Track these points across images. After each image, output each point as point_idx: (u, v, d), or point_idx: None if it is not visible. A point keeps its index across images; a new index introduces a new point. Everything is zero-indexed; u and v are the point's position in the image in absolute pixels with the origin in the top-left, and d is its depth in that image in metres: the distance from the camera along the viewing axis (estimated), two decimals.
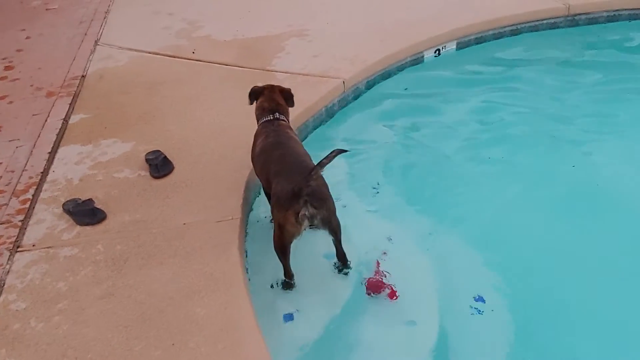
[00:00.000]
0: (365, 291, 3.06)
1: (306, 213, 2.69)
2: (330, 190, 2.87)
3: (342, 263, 3.09)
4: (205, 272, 2.90)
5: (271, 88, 3.38)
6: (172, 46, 5.71)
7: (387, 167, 4.10)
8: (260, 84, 3.46)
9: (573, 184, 3.81)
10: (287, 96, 3.38)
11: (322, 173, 2.76)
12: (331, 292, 3.06)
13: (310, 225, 2.77)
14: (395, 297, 3.00)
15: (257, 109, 3.38)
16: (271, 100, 3.32)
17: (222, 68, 5.16)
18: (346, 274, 3.11)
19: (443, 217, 3.60)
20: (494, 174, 4.00)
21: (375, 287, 3.06)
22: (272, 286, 3.05)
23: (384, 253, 3.29)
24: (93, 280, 2.94)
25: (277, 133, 3.14)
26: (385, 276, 3.12)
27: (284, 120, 3.27)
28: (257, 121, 3.36)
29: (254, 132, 3.34)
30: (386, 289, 3.04)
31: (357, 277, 3.13)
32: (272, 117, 3.24)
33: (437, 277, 3.15)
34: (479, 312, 2.95)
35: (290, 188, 2.68)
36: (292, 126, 3.39)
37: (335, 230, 2.94)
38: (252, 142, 3.32)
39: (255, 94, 3.39)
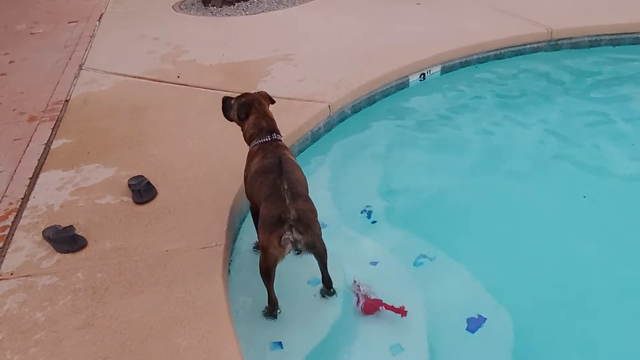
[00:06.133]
0: (360, 311, 3.01)
1: (290, 237, 2.64)
2: (317, 215, 2.83)
3: (327, 287, 3.05)
4: (187, 301, 2.83)
5: (258, 101, 3.21)
6: (157, 70, 5.70)
7: (375, 190, 4.08)
8: (235, 95, 3.28)
9: (566, 207, 3.81)
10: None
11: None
12: (316, 318, 3.00)
13: (295, 250, 2.73)
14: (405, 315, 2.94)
15: (250, 126, 3.20)
16: (266, 118, 3.19)
17: (207, 92, 5.15)
18: (331, 296, 3.05)
19: (432, 239, 3.55)
20: (480, 195, 3.99)
21: (372, 308, 3.00)
22: (262, 312, 2.98)
23: (372, 272, 3.26)
24: (72, 310, 2.86)
25: (275, 154, 3.00)
26: (361, 290, 3.09)
27: (281, 141, 3.17)
28: (250, 138, 3.21)
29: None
30: (382, 308, 2.98)
31: (343, 302, 3.07)
32: (270, 139, 3.12)
33: (427, 300, 3.09)
34: (471, 333, 2.91)
35: (276, 212, 2.65)
36: None
37: (320, 255, 2.89)
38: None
39: (246, 107, 3.21)
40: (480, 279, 3.24)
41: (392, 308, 2.96)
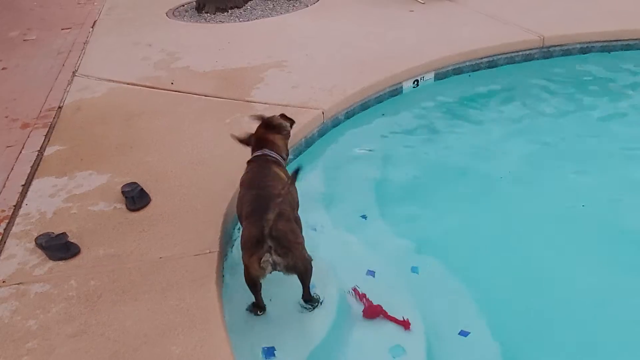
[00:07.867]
0: (360, 315, 3.01)
1: (270, 260, 2.62)
2: (299, 235, 2.80)
3: (305, 302, 3.02)
4: (181, 308, 2.82)
5: (265, 123, 3.36)
6: (151, 77, 5.69)
7: (369, 195, 4.08)
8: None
9: (560, 213, 3.81)
10: (275, 127, 3.34)
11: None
12: (312, 323, 2.98)
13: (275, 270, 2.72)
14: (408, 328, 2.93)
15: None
16: (259, 138, 3.30)
17: (201, 99, 5.15)
18: (310, 310, 3.02)
19: (428, 244, 3.57)
20: (475, 204, 3.99)
21: (374, 313, 3.00)
22: (246, 309, 3.00)
23: (368, 279, 3.25)
24: (65, 318, 2.84)
25: (259, 168, 3.09)
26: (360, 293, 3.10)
27: (271, 156, 3.20)
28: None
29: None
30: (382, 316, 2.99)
31: (339, 305, 3.06)
32: (260, 153, 3.21)
33: (423, 305, 3.09)
34: (465, 339, 2.92)
35: (255, 233, 2.61)
36: None
37: (301, 274, 2.85)
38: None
39: (249, 137, 3.36)
40: (478, 283, 3.25)
41: (394, 319, 2.95)
